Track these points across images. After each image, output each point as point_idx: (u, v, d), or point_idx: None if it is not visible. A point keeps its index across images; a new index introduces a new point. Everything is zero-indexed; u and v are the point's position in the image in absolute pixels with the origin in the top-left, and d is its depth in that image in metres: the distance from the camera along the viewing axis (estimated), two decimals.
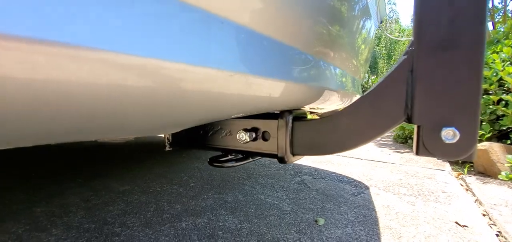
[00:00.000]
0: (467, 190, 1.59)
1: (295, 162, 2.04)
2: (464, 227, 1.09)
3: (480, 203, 1.36)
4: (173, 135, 0.86)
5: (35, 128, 0.24)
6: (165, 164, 1.90)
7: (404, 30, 17.50)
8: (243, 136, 0.70)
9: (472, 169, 2.00)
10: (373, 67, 15.34)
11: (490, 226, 1.12)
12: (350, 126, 0.57)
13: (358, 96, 1.27)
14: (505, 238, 1.02)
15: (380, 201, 1.36)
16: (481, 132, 2.13)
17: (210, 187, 1.46)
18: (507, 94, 2.06)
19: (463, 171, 1.97)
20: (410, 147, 3.04)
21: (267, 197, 1.35)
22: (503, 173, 1.74)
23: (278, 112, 0.67)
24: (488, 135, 2.11)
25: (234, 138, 0.73)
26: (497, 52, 2.45)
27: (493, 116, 2.20)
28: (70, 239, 0.92)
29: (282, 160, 0.67)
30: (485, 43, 0.44)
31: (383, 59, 16.12)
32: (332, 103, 0.93)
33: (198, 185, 1.49)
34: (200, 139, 0.80)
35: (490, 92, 2.21)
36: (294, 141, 0.66)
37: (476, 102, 0.44)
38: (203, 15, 0.30)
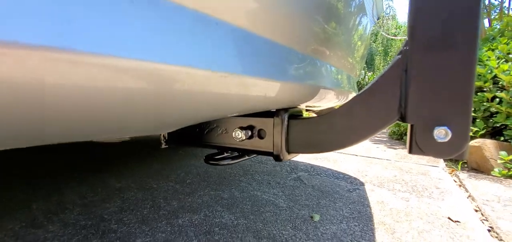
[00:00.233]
0: (460, 186, 1.62)
1: (291, 159, 2.06)
2: (457, 223, 1.11)
3: (473, 199, 1.39)
4: (169, 133, 0.86)
5: (29, 130, 0.24)
6: (161, 161, 1.90)
7: (401, 27, 17.53)
8: (239, 134, 0.71)
9: (466, 166, 2.03)
10: (369, 64, 15.38)
11: (482, 222, 1.14)
12: (345, 124, 0.57)
13: (354, 94, 1.28)
14: (497, 234, 1.04)
15: (375, 197, 1.37)
16: (475, 129, 2.15)
17: (207, 184, 1.46)
18: (501, 91, 2.08)
19: (457, 167, 2.00)
20: (405, 144, 3.07)
21: (263, 193, 1.36)
22: (496, 170, 1.77)
23: (274, 110, 0.68)
24: (482, 132, 2.14)
25: (230, 136, 0.73)
26: (493, 50, 2.48)
27: (487, 114, 2.23)
28: (66, 236, 0.92)
29: (277, 158, 0.67)
30: (478, 44, 0.45)
31: (379, 55, 16.17)
32: (328, 101, 0.93)
33: (194, 181, 1.50)
34: (196, 137, 0.80)
35: (485, 89, 2.23)
36: (289, 139, 0.67)
37: (468, 102, 0.45)
38: (197, 17, 0.30)
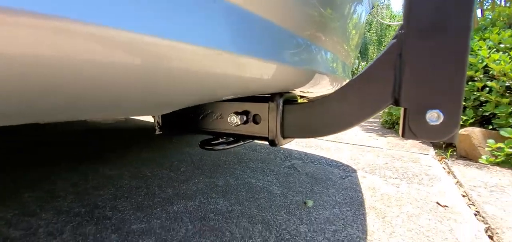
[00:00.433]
0: (449, 172, 1.66)
1: (285, 146, 2.07)
2: (445, 207, 1.15)
3: (461, 185, 1.43)
4: (163, 118, 0.85)
5: (21, 106, 0.23)
6: (155, 149, 1.89)
7: (395, 16, 17.59)
8: (234, 119, 0.70)
9: (455, 153, 2.08)
10: (363, 53, 15.44)
11: (469, 206, 1.18)
12: (340, 108, 0.58)
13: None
14: (483, 217, 1.08)
15: (366, 183, 1.40)
16: (464, 117, 2.20)
17: (201, 172, 1.46)
18: (492, 81, 2.12)
19: (446, 155, 2.05)
20: (397, 132, 3.12)
21: (258, 180, 1.37)
22: (483, 157, 1.82)
23: (269, 95, 0.68)
24: (471, 120, 2.19)
25: (225, 121, 0.73)
26: (484, 40, 2.51)
27: (477, 103, 2.28)
28: (60, 223, 0.92)
29: (272, 143, 0.67)
30: (471, 29, 0.45)
31: (373, 45, 16.23)
32: (322, 87, 0.94)
33: (188, 169, 1.50)
34: (191, 123, 0.79)
35: (475, 78, 2.27)
36: (284, 124, 0.67)
37: (460, 86, 0.46)
38: None
